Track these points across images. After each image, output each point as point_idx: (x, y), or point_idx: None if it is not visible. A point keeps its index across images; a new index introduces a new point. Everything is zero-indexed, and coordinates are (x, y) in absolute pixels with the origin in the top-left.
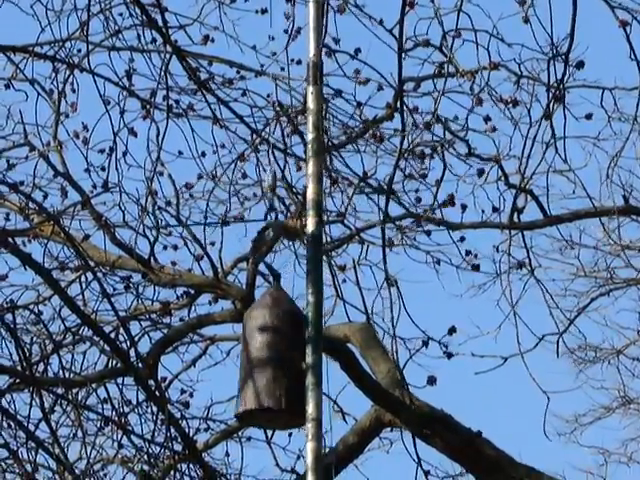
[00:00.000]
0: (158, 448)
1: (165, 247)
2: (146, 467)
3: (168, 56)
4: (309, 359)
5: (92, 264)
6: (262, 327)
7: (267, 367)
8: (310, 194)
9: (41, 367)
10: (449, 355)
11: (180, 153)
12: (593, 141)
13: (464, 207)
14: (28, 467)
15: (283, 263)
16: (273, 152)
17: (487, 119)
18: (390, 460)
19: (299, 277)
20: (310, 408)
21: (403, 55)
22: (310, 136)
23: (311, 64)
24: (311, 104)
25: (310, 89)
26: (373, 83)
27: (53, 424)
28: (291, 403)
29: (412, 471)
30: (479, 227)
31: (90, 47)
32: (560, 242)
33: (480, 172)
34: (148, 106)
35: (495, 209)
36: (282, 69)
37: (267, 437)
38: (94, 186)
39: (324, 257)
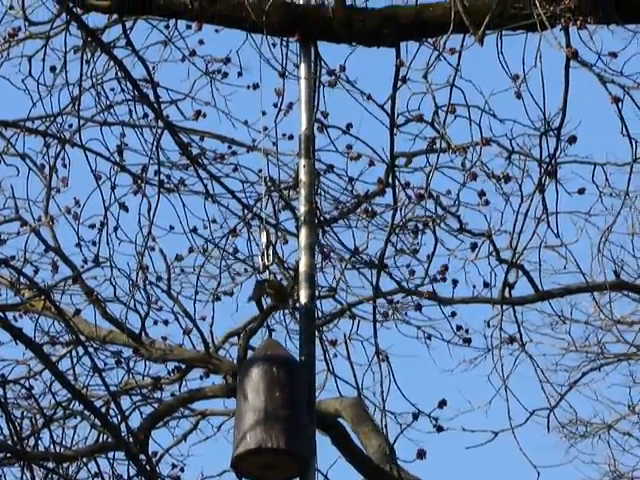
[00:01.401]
0: None
1: (156, 322)
2: None
3: (160, 131)
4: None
5: (83, 339)
6: (256, 375)
7: (263, 413)
8: (303, 266)
9: (32, 441)
10: (439, 429)
11: (171, 228)
12: (585, 216)
13: (455, 282)
14: None
15: (274, 337)
16: (265, 227)
17: (481, 194)
18: None
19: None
20: None
21: (395, 130)
22: (302, 209)
23: (303, 137)
24: (303, 177)
25: (302, 162)
26: (365, 158)
27: None
28: (289, 445)
29: None
30: (470, 302)
31: (82, 122)
32: (551, 317)
33: (473, 246)
34: (139, 181)
35: (486, 284)
36: (274, 144)
37: None
38: (85, 261)
39: (315, 332)
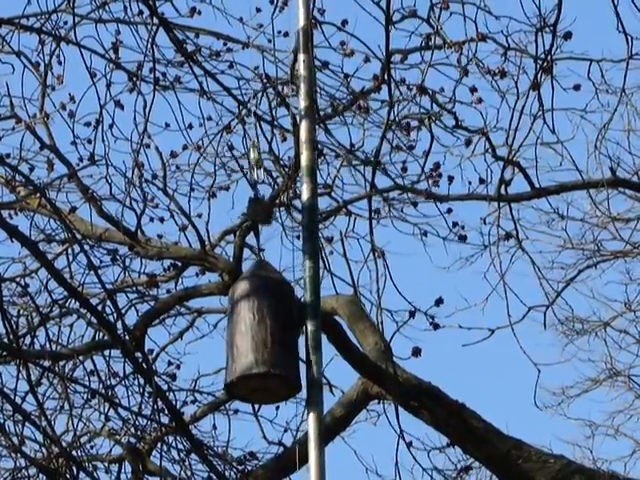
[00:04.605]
0: (145, 420)
1: (152, 219)
2: (133, 439)
3: (155, 28)
4: (308, 324)
5: (79, 236)
6: (244, 297)
7: (254, 337)
8: (304, 161)
9: (28, 340)
10: (436, 326)
11: (167, 125)
12: (581, 113)
13: (451, 179)
14: (15, 440)
15: (270, 235)
16: (260, 124)
17: (473, 90)
18: (377, 432)
19: (286, 249)
20: (311, 373)
21: (390, 27)
22: (302, 104)
23: (301, 32)
24: (303, 71)
25: (302, 57)
26: (360, 55)
27: (40, 397)
28: (273, 369)
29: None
30: (466, 199)
31: (76, 19)
32: (548, 214)
33: (467, 141)
34: (135, 78)
35: (482, 181)
36: (269, 41)
37: (254, 410)
38: (80, 159)
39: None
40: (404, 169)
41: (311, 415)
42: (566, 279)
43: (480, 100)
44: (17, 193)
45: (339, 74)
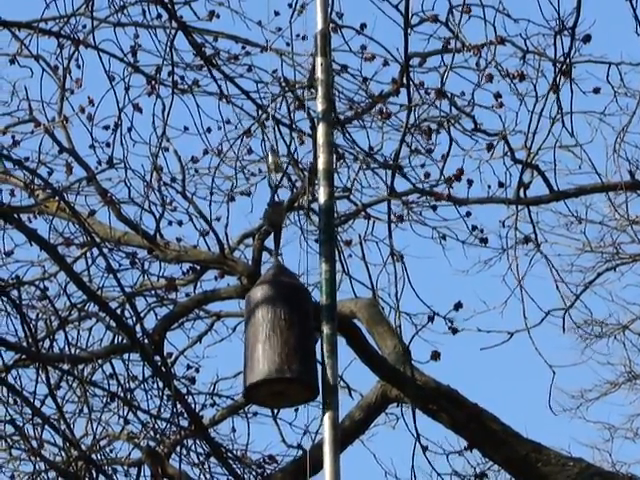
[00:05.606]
0: (164, 424)
1: (170, 223)
2: (152, 443)
3: (173, 32)
4: (324, 328)
5: (98, 240)
6: (264, 302)
7: (271, 341)
8: (321, 164)
9: (47, 343)
10: (454, 331)
11: (186, 129)
12: (599, 116)
13: (470, 182)
14: (34, 443)
15: (288, 238)
16: (279, 127)
17: (497, 96)
18: (396, 435)
19: (305, 252)
20: (327, 376)
21: (409, 30)
22: (320, 107)
23: (319, 35)
24: (320, 75)
25: (319, 60)
26: (379, 59)
27: (59, 400)
28: (299, 374)
29: (418, 446)
30: (485, 202)
31: (95, 23)
32: (566, 217)
33: (488, 146)
34: (153, 82)
35: (501, 184)
36: (287, 44)
37: (273, 413)
38: (99, 162)
39: (335, 230)
40: (426, 175)
41: (326, 419)
42: (585, 282)
43: (500, 104)
44: (36, 196)
45: (358, 77)
